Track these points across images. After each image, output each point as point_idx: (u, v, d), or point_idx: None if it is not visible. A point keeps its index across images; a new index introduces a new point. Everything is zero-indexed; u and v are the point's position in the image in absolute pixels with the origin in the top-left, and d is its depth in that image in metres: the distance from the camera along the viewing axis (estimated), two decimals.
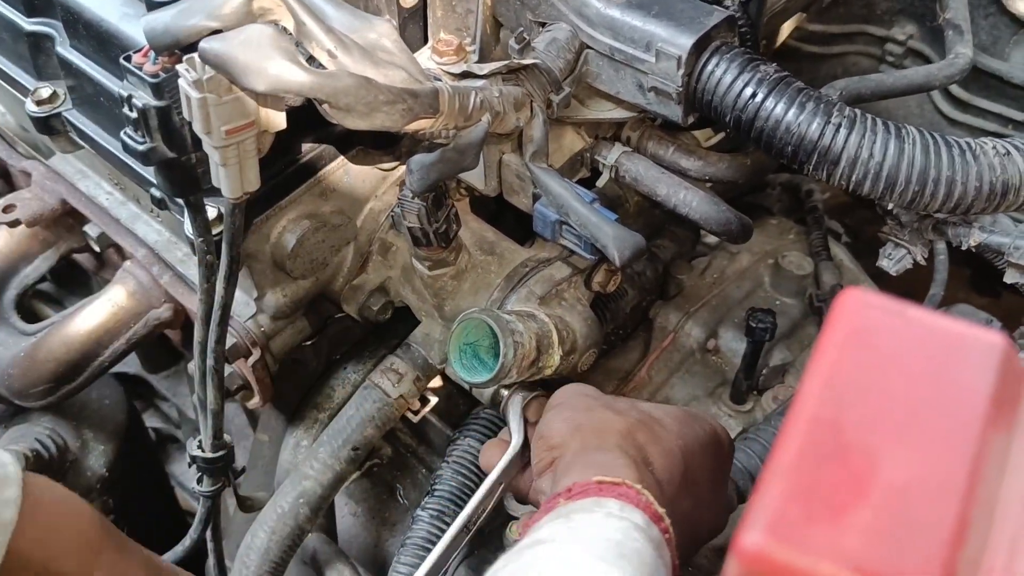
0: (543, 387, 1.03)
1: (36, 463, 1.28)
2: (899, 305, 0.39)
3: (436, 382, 1.18)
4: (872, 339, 0.38)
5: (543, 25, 0.97)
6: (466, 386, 1.04)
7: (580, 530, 0.70)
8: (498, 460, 0.97)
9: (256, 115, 0.77)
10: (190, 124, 0.77)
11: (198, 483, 1.09)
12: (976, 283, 1.69)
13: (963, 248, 0.93)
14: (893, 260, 0.98)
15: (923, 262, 0.99)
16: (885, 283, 1.28)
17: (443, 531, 1.03)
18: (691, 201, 1.03)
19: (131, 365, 1.81)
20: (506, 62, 0.92)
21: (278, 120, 0.79)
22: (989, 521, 0.36)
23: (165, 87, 0.79)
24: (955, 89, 1.51)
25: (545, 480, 0.87)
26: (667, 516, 0.74)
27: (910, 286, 1.22)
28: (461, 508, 1.04)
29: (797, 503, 0.35)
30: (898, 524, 0.34)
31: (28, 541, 0.82)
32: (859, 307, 0.39)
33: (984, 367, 0.37)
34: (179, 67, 0.75)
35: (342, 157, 1.03)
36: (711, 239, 1.38)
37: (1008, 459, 0.37)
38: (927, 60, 1.53)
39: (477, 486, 1.06)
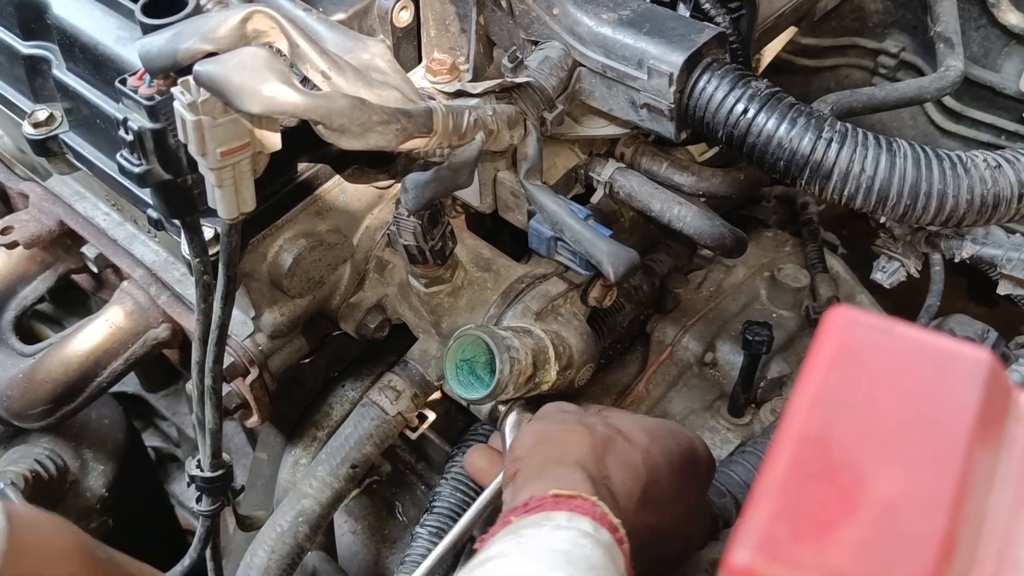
0: (541, 403, 1.03)
1: (35, 484, 1.28)
2: (887, 322, 0.39)
3: (434, 398, 1.18)
4: (860, 356, 0.38)
5: (536, 44, 0.98)
6: (463, 402, 1.04)
7: (528, 543, 0.71)
8: (481, 463, 0.99)
9: (251, 136, 0.78)
10: (185, 146, 0.78)
11: (197, 502, 1.09)
12: (973, 293, 1.70)
13: (956, 260, 0.94)
14: (887, 273, 0.99)
15: (917, 275, 0.99)
16: (882, 294, 1.28)
17: None
18: (685, 216, 1.04)
19: (130, 384, 1.81)
20: (499, 81, 0.93)
21: (273, 141, 0.79)
22: (976, 537, 0.36)
23: (160, 109, 0.80)
24: (948, 100, 1.52)
25: (508, 491, 0.88)
26: (622, 527, 0.75)
27: (907, 297, 1.23)
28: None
29: (786, 520, 0.35)
30: (886, 540, 0.34)
31: (13, 571, 0.82)
32: (847, 324, 0.39)
33: (971, 383, 0.37)
34: (174, 90, 0.75)
35: (338, 176, 1.04)
36: (707, 252, 1.39)
37: (995, 475, 0.37)
38: (920, 72, 1.54)
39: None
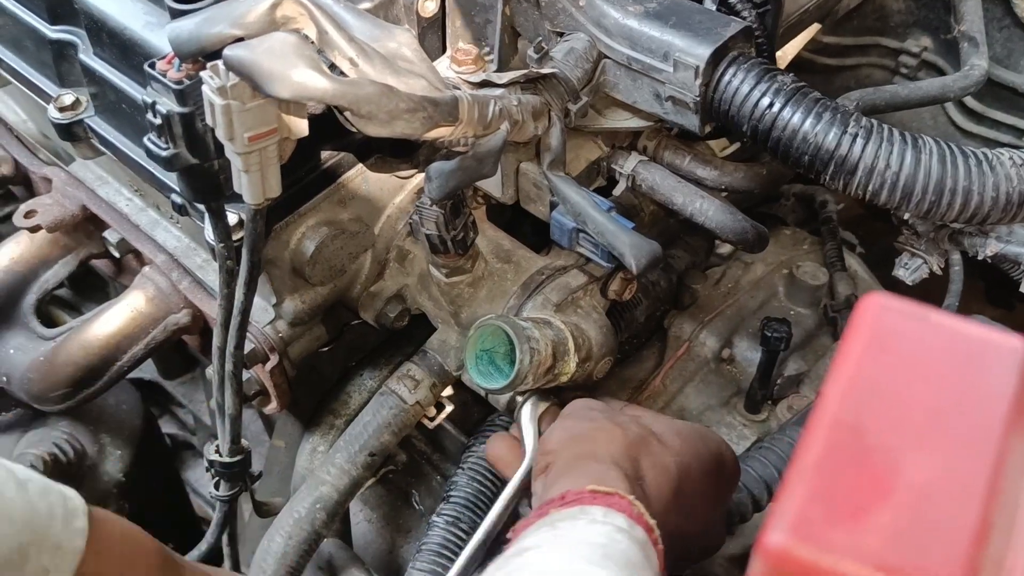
0: (558, 394, 1.04)
1: (54, 467, 1.29)
2: (921, 309, 0.39)
3: (451, 389, 1.18)
4: (893, 343, 0.38)
5: (561, 35, 0.98)
6: (482, 392, 1.04)
7: (564, 536, 0.72)
8: (503, 452, 0.99)
9: (278, 122, 0.78)
10: (213, 130, 0.78)
11: (215, 488, 1.10)
12: (991, 295, 1.69)
13: (979, 258, 0.93)
14: (909, 270, 0.99)
15: (939, 272, 0.99)
16: (899, 294, 1.28)
17: (458, 537, 1.04)
18: (707, 210, 1.04)
19: (147, 371, 1.82)
20: (525, 71, 0.93)
21: (300, 127, 0.80)
22: (1011, 522, 0.36)
23: (188, 94, 0.80)
24: (969, 101, 1.51)
25: (538, 483, 0.89)
26: (657, 528, 0.75)
27: (924, 298, 1.22)
28: (476, 514, 1.05)
29: (820, 504, 0.35)
30: (920, 524, 0.34)
31: (93, 571, 0.84)
32: (881, 311, 0.39)
33: (1005, 370, 0.37)
34: (203, 74, 0.75)
35: (361, 165, 1.04)
36: (724, 249, 1.39)
37: None
38: (941, 72, 1.53)
39: (493, 492, 1.07)
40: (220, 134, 0.77)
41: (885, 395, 0.37)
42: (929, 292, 1.21)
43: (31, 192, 1.36)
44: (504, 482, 0.98)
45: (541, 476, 0.88)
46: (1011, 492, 0.36)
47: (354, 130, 0.80)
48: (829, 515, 0.35)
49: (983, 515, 0.34)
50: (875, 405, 0.37)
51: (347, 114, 0.78)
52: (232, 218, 0.93)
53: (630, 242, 0.93)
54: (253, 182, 0.80)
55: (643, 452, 0.86)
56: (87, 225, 1.26)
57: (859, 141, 0.85)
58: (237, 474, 1.08)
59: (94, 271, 1.42)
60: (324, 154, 1.02)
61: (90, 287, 1.69)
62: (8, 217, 1.61)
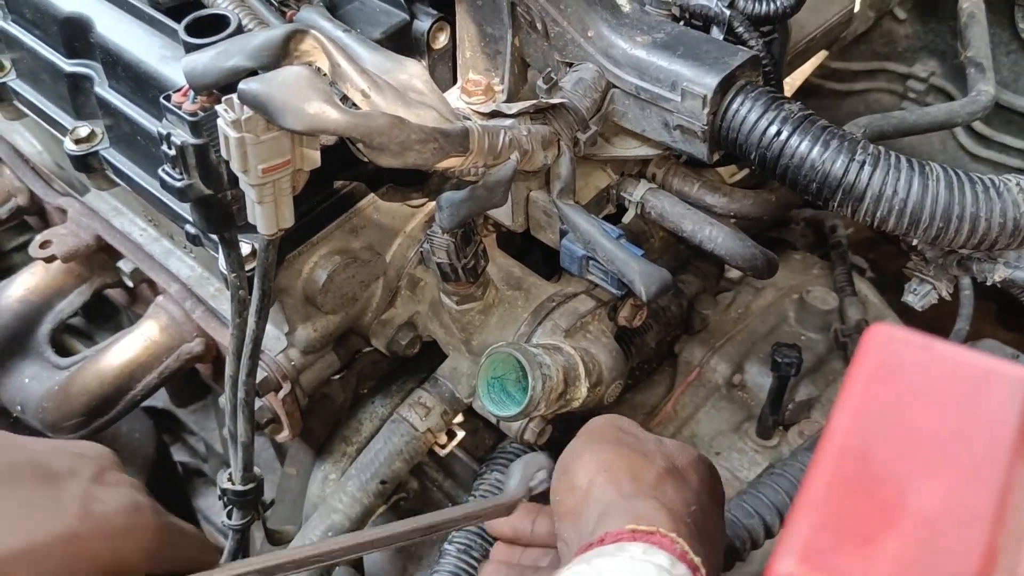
0: (568, 420, 1.04)
1: None
2: (926, 339, 0.40)
3: (462, 416, 1.19)
4: (899, 373, 0.39)
5: (570, 65, 0.99)
6: (494, 420, 1.04)
7: (600, 572, 0.69)
8: (508, 534, 0.96)
9: (292, 154, 0.79)
10: (227, 162, 0.79)
11: (228, 516, 1.10)
12: (1003, 318, 1.69)
13: (988, 284, 0.94)
14: (919, 295, 0.99)
15: (948, 297, 0.99)
16: (910, 318, 1.28)
17: (470, 565, 1.04)
18: (717, 237, 1.04)
19: (159, 399, 1.83)
20: (534, 102, 0.94)
21: (313, 158, 0.81)
22: (1017, 549, 0.36)
23: (203, 125, 0.81)
24: (977, 125, 1.52)
25: (567, 526, 0.83)
26: (703, 567, 0.73)
27: (936, 321, 1.23)
28: (488, 541, 1.05)
29: (828, 532, 0.35)
30: (927, 552, 0.34)
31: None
32: (887, 341, 0.40)
33: (1009, 399, 0.37)
34: (218, 107, 0.77)
35: (372, 194, 1.06)
36: (734, 274, 1.39)
37: None
38: (949, 96, 1.54)
39: None
40: (234, 166, 0.78)
41: (892, 424, 0.38)
42: (941, 316, 1.22)
43: (46, 222, 1.38)
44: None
45: (570, 520, 0.83)
46: (1017, 519, 0.36)
47: (366, 160, 0.81)
48: (837, 543, 0.35)
49: (989, 543, 0.34)
50: (882, 434, 0.38)
51: (359, 145, 0.79)
52: (245, 248, 0.94)
53: (640, 270, 0.93)
54: (267, 213, 0.81)
55: (670, 485, 0.83)
56: (101, 255, 1.27)
57: (867, 168, 0.86)
58: (250, 502, 1.08)
59: (107, 300, 1.43)
60: (336, 183, 1.03)
61: (103, 316, 1.70)
62: (24, 247, 1.63)
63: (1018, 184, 0.87)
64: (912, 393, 0.38)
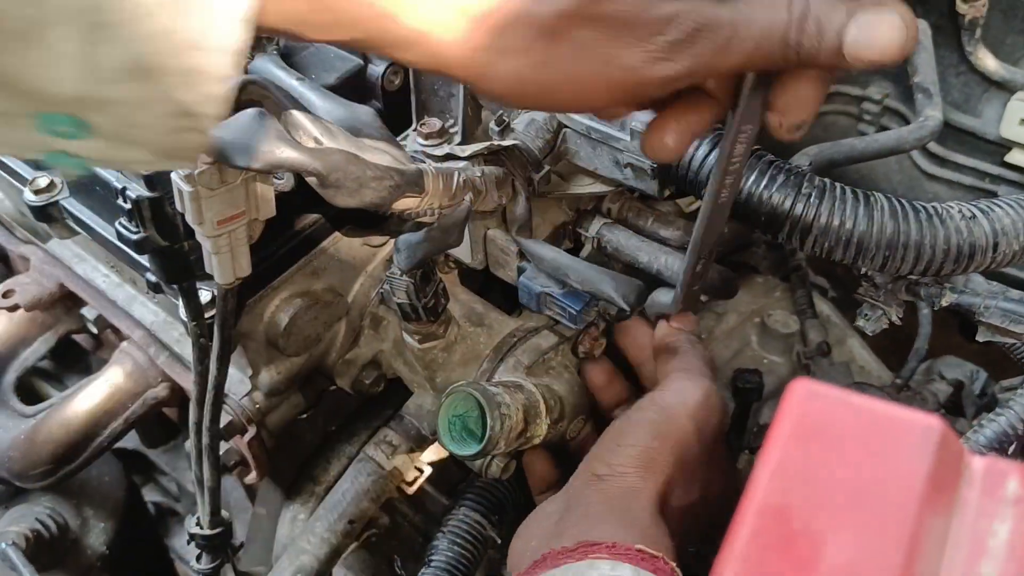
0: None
1: (37, 543, 1.29)
2: (844, 394, 0.41)
3: (433, 453, 1.19)
4: (818, 427, 0.40)
5: None
6: (457, 458, 1.05)
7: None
8: (601, 382, 1.06)
9: (247, 204, 0.80)
10: (182, 215, 0.80)
11: (197, 560, 1.11)
12: (965, 331, 1.71)
13: (935, 308, 0.96)
14: (870, 320, 1.01)
15: (899, 322, 1.01)
16: (880, 337, 1.30)
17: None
18: (672, 265, 1.06)
19: (129, 440, 1.82)
20: (487, 144, 0.95)
21: (269, 208, 0.82)
22: None
23: (157, 179, 0.82)
24: (932, 146, 1.55)
25: (591, 490, 0.86)
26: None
27: (901, 336, 1.24)
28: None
29: None
30: None
31: None
32: (806, 396, 0.41)
33: (920, 449, 0.39)
34: None
35: (332, 236, 1.07)
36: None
37: (947, 538, 0.39)
38: (903, 117, 1.57)
39: (473, 556, 1.07)
40: (189, 219, 0.79)
41: (810, 479, 0.39)
42: (905, 332, 1.23)
43: (9, 270, 1.38)
44: (483, 547, 0.98)
45: (596, 484, 0.86)
46: (928, 569, 0.38)
47: (324, 203, 0.82)
48: None
49: None
50: (800, 488, 0.39)
51: (315, 182, 0.80)
52: (205, 295, 0.95)
53: (614, 284, 0.96)
54: (223, 263, 0.82)
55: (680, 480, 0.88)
56: (65, 302, 1.28)
57: (813, 201, 0.88)
58: (219, 546, 1.09)
59: (75, 342, 1.43)
60: (296, 225, 1.04)
61: (72, 358, 1.70)
62: None
63: (960, 211, 0.89)
64: (830, 447, 0.40)
